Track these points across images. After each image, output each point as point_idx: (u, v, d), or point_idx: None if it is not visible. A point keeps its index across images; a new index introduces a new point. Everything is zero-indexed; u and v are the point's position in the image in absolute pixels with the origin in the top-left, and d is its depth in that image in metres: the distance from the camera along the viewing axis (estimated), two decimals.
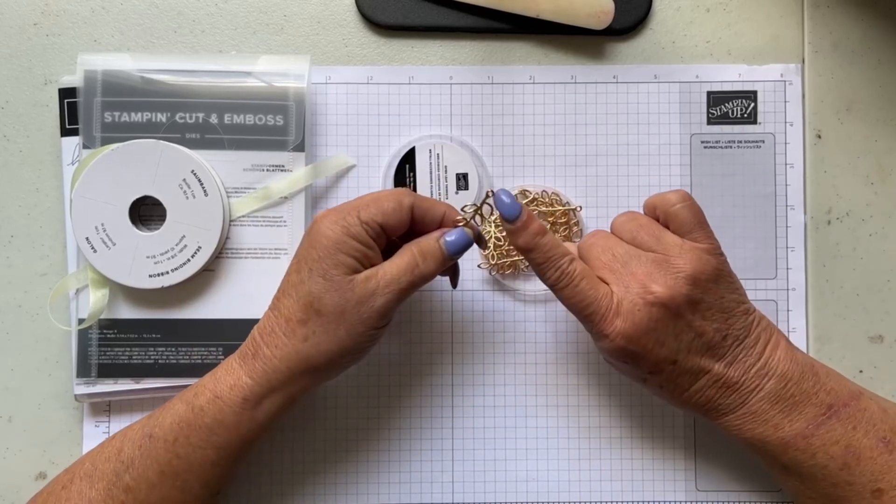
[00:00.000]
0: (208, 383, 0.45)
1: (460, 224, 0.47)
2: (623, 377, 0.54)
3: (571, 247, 0.48)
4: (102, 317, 0.52)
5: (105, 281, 0.51)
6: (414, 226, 0.46)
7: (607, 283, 0.45)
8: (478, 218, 0.47)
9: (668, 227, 0.46)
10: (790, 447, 0.44)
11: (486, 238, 0.53)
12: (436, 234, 0.46)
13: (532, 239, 0.44)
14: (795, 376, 0.45)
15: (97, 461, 0.45)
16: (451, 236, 0.46)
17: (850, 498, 0.44)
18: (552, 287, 0.45)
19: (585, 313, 0.44)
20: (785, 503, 0.54)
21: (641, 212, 0.49)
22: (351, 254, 0.44)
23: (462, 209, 0.47)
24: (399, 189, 0.46)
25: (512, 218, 0.44)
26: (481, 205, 0.47)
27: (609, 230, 0.48)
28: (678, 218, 0.46)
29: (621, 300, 0.44)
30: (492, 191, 0.45)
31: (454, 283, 0.50)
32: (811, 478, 0.45)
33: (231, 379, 0.45)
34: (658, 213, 0.47)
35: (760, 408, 0.45)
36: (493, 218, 0.54)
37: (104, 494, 0.44)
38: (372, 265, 0.45)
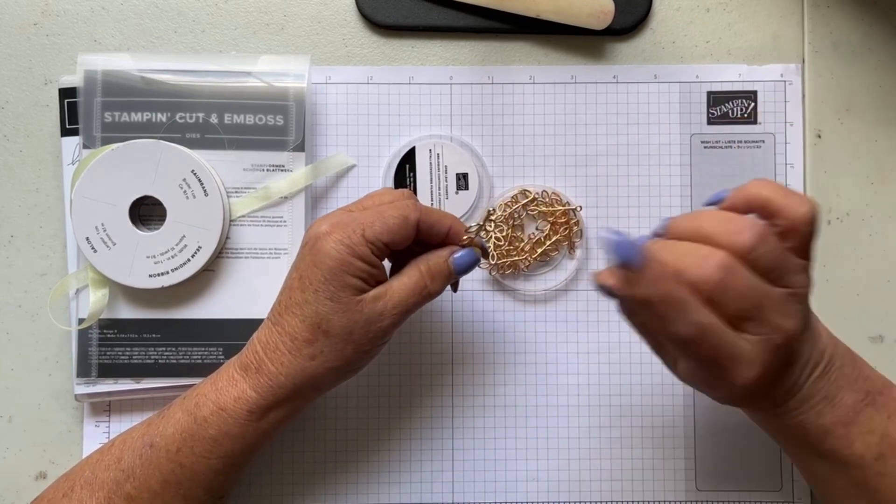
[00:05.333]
0: (209, 393, 0.45)
1: (466, 243, 0.46)
2: (622, 379, 0.54)
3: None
4: (102, 317, 0.52)
5: (105, 281, 0.51)
6: (419, 236, 0.45)
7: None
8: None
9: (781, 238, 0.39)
10: (829, 435, 0.42)
11: (486, 239, 0.53)
12: (444, 253, 0.45)
13: (661, 286, 0.35)
14: (837, 361, 0.42)
15: (97, 469, 0.45)
16: (460, 256, 0.45)
17: (882, 489, 0.42)
18: (686, 341, 0.37)
19: (722, 361, 0.38)
20: (785, 503, 0.54)
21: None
22: (357, 275, 0.43)
23: (467, 230, 0.46)
24: (403, 201, 0.45)
25: (631, 262, 0.36)
26: (485, 222, 0.47)
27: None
28: (805, 239, 0.39)
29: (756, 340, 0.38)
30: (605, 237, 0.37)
31: (454, 288, 0.50)
32: (845, 467, 0.43)
33: (235, 391, 0.44)
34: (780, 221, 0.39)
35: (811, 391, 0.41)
36: (492, 218, 0.54)
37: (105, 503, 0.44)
38: (378, 282, 0.44)
